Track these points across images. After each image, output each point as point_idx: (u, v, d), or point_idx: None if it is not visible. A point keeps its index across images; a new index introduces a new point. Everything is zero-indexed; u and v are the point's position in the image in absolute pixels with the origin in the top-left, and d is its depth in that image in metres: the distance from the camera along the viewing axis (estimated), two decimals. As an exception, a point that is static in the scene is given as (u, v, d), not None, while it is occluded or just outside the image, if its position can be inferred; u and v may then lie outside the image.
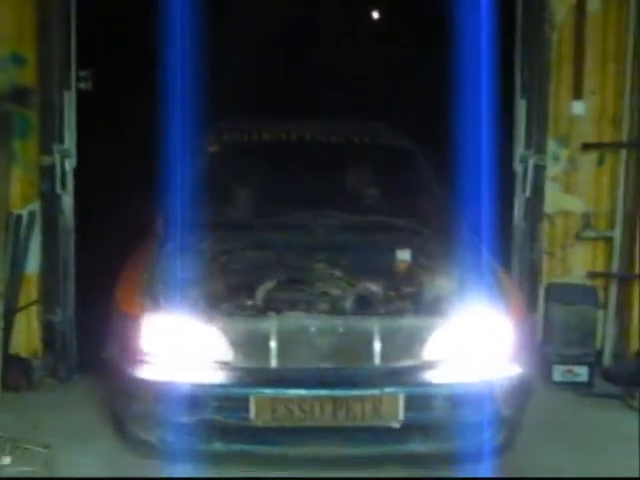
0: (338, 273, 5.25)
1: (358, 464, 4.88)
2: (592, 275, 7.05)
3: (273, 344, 4.72)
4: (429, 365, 4.86)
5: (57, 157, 6.40)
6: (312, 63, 12.06)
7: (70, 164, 6.48)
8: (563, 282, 6.97)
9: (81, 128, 6.63)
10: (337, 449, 4.85)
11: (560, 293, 6.80)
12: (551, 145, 6.86)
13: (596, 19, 6.86)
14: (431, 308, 5.01)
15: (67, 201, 6.56)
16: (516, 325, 5.02)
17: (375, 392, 4.70)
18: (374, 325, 4.80)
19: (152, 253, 5.44)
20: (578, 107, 6.89)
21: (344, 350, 4.79)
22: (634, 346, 6.88)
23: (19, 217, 6.46)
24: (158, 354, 4.85)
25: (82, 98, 6.76)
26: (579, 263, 7.08)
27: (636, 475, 4.78)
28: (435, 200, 6.33)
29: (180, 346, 4.85)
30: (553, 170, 6.92)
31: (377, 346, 4.75)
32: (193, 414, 4.68)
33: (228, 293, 5.06)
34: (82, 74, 6.67)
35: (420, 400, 4.76)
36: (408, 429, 4.79)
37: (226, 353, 4.78)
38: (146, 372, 4.81)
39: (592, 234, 7.03)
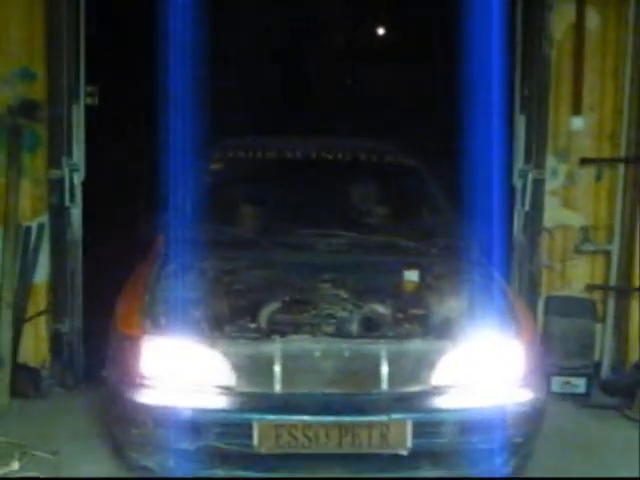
0: (344, 294, 5.04)
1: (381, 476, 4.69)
2: (590, 288, 7.08)
3: (277, 368, 4.52)
4: (438, 390, 4.65)
5: (66, 171, 6.46)
6: (315, 79, 12.14)
7: (78, 177, 6.56)
8: (562, 295, 7.01)
9: (88, 142, 6.72)
10: (343, 476, 4.63)
11: (559, 306, 6.85)
12: (550, 160, 6.91)
13: (595, 37, 6.93)
14: (440, 331, 4.81)
15: (75, 214, 6.63)
16: (527, 349, 4.82)
17: (382, 418, 4.48)
18: (381, 349, 4.60)
19: (153, 272, 5.18)
20: (577, 123, 6.94)
21: (350, 375, 4.58)
22: (632, 358, 6.91)
23: (28, 229, 6.53)
24: (158, 377, 4.64)
25: (89, 113, 6.84)
26: (578, 276, 7.12)
27: (636, 475, 4.79)
28: (443, 219, 6.15)
29: (181, 369, 4.64)
30: (552, 185, 6.97)
31: (384, 371, 4.55)
32: (194, 440, 4.48)
33: (231, 315, 4.90)
34: (89, 89, 6.76)
35: (429, 426, 4.55)
36: (416, 456, 4.56)
37: (228, 377, 4.57)
38: (145, 396, 4.60)
39: (591, 248, 7.06)
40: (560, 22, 6.85)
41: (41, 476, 4.76)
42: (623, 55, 6.89)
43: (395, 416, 4.49)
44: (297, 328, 4.74)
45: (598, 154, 7.04)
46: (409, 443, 4.47)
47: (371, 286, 5.18)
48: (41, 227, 6.58)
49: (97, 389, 5.94)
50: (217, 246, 5.38)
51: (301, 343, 4.62)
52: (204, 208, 5.72)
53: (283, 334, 4.66)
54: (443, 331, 4.81)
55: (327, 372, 4.56)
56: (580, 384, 6.60)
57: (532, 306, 6.71)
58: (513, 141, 6.93)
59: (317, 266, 5.30)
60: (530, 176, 6.77)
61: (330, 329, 4.76)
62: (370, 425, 4.47)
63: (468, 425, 4.57)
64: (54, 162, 6.47)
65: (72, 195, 6.53)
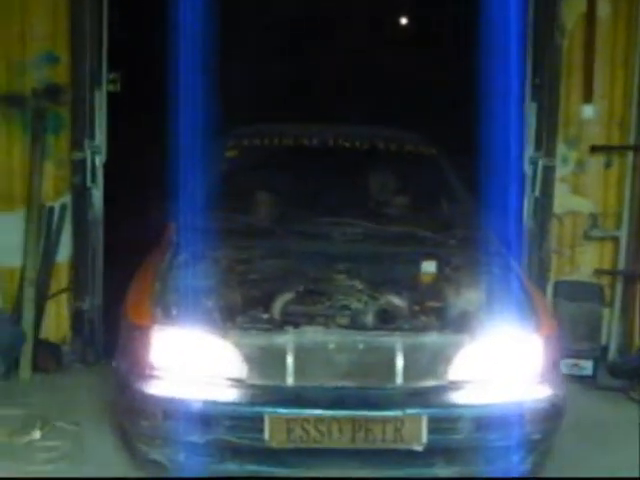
0: (359, 285, 4.85)
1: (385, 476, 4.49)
2: (598, 273, 7.13)
3: (290, 360, 4.35)
4: (454, 385, 4.46)
5: (88, 152, 6.56)
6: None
7: (100, 159, 6.66)
8: (571, 280, 7.06)
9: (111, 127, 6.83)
10: (356, 472, 4.42)
11: (568, 290, 6.88)
12: (560, 148, 6.94)
13: (606, 26, 6.95)
14: (457, 325, 4.63)
15: (97, 194, 6.73)
16: (547, 343, 4.61)
17: (397, 413, 4.29)
18: (397, 342, 4.40)
19: (164, 261, 5.00)
20: (587, 111, 6.97)
21: (364, 368, 4.40)
22: (638, 342, 6.99)
23: (51, 209, 6.64)
24: (168, 368, 4.47)
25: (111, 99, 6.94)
26: (586, 262, 7.16)
27: (636, 475, 4.69)
28: (462, 210, 5.95)
29: (192, 361, 4.46)
30: (562, 172, 7.01)
31: (400, 364, 4.37)
32: (204, 433, 4.30)
33: (243, 305, 4.74)
34: (111, 76, 6.86)
35: (444, 422, 4.36)
36: (431, 452, 4.36)
37: (240, 369, 4.40)
38: (155, 387, 4.42)
39: (599, 234, 7.10)
40: (571, 12, 6.88)
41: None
42: (633, 44, 6.91)
43: (410, 411, 4.30)
44: (311, 319, 4.59)
45: (608, 142, 7.07)
46: (424, 439, 4.29)
47: (387, 277, 5.04)
48: (63, 207, 6.68)
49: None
50: (230, 235, 5.22)
51: (314, 335, 4.44)
52: (217, 196, 5.59)
53: (296, 325, 4.49)
54: (460, 324, 4.64)
55: (341, 365, 4.39)
56: (587, 366, 6.65)
57: (541, 290, 6.71)
58: (524, 129, 6.95)
59: (332, 256, 5.14)
60: (540, 163, 6.81)
61: (344, 321, 4.59)
62: (384, 420, 4.29)
63: (485, 421, 4.39)
64: (77, 144, 6.57)
65: (94, 176, 6.64)
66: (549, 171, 6.86)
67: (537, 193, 6.88)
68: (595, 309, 6.96)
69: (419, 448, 4.30)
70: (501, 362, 4.56)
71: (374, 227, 5.49)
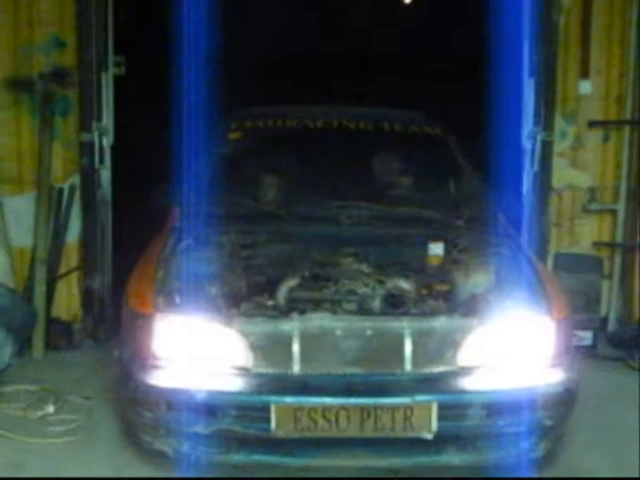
0: (366, 269, 4.77)
1: (387, 476, 4.41)
2: (597, 245, 7.20)
3: (295, 348, 4.19)
4: (464, 371, 4.31)
5: (96, 134, 6.61)
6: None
7: (108, 141, 6.73)
8: (570, 252, 7.12)
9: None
10: (364, 461, 4.32)
11: (567, 262, 6.94)
12: (559, 123, 6.97)
13: (602, 3, 6.97)
14: (467, 308, 4.52)
15: (105, 175, 6.79)
16: (559, 327, 4.42)
17: (406, 400, 4.12)
18: (405, 327, 4.24)
19: (167, 247, 4.82)
20: (585, 87, 7.01)
21: (372, 354, 4.24)
22: (637, 312, 7.03)
23: (61, 190, 6.69)
24: (172, 358, 4.31)
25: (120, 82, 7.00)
26: (585, 234, 7.22)
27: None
28: (469, 189, 5.81)
29: (195, 349, 4.30)
30: (560, 146, 7.04)
31: (408, 350, 4.21)
32: (209, 424, 4.16)
33: (248, 291, 4.67)
34: (116, 59, 6.90)
35: (455, 409, 4.19)
36: (441, 440, 4.21)
37: (245, 357, 4.24)
38: (158, 377, 4.27)
39: (597, 207, 7.16)
40: None
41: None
42: (629, 21, 6.94)
43: (419, 398, 4.14)
44: (317, 305, 4.47)
45: (605, 117, 7.11)
46: (434, 426, 4.12)
47: (394, 260, 4.98)
48: (72, 188, 6.73)
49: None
50: (234, 219, 5.11)
51: (321, 321, 4.27)
52: (220, 179, 5.47)
53: (302, 312, 4.34)
54: (469, 308, 4.53)
55: (348, 352, 4.24)
56: (587, 337, 6.68)
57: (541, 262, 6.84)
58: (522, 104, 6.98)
59: (338, 239, 5.04)
60: (539, 138, 6.83)
61: (351, 306, 4.48)
62: (393, 407, 4.12)
63: (496, 407, 4.21)
64: (85, 126, 6.63)
65: (102, 157, 6.70)
66: (548, 146, 6.89)
67: (536, 168, 6.90)
68: (594, 281, 7.04)
69: (429, 436, 4.15)
70: (512, 346, 4.39)
71: (380, 209, 5.35)
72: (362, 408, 4.11)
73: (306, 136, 6.03)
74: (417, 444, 4.21)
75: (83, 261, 6.87)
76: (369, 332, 4.26)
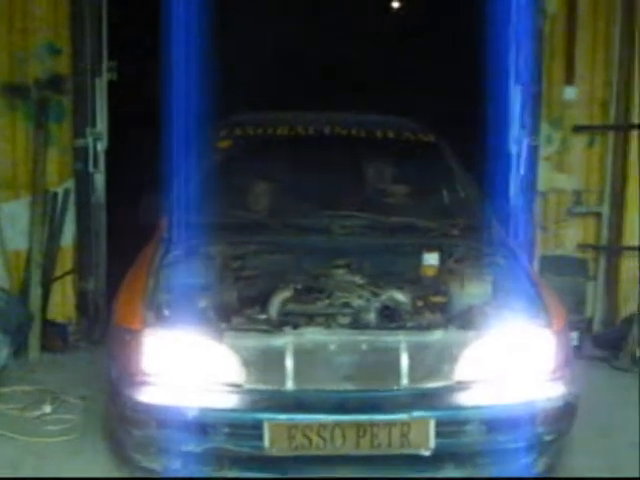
0: (360, 280, 4.57)
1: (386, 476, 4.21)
2: (582, 247, 7.25)
3: (289, 363, 4.05)
4: (462, 386, 4.17)
5: (90, 139, 6.68)
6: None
7: (102, 145, 6.77)
8: (556, 254, 7.18)
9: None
10: (360, 476, 4.18)
11: (553, 265, 7.01)
12: (544, 128, 7.04)
13: (586, 10, 7.03)
14: (464, 321, 4.33)
15: (99, 179, 6.84)
16: (558, 338, 4.29)
17: (403, 417, 3.99)
18: (401, 341, 4.11)
19: (156, 259, 4.65)
20: (570, 92, 7.05)
21: (368, 370, 4.10)
22: (621, 313, 7.07)
23: (55, 194, 6.74)
24: (162, 374, 4.15)
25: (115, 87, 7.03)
26: (570, 237, 7.26)
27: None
28: (464, 197, 5.67)
29: (186, 365, 4.14)
30: (546, 151, 7.10)
31: (405, 365, 4.08)
32: (201, 442, 4.01)
33: (239, 305, 4.44)
34: (109, 64, 6.95)
35: (453, 425, 4.06)
36: (439, 457, 4.09)
37: (237, 373, 4.09)
38: (148, 395, 4.10)
39: (583, 210, 7.22)
40: None
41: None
42: (613, 27, 6.99)
43: (417, 414, 4.01)
44: (310, 319, 4.29)
45: (590, 122, 7.17)
46: (432, 443, 4.00)
47: (389, 271, 4.80)
48: (67, 192, 6.78)
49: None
50: (223, 230, 4.93)
51: (315, 336, 4.13)
52: (210, 189, 5.25)
53: (295, 326, 4.18)
54: (467, 321, 4.33)
55: (343, 367, 4.09)
56: (573, 337, 6.78)
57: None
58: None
59: (331, 250, 4.85)
60: (525, 142, 6.89)
61: (346, 320, 4.31)
62: (390, 424, 3.99)
63: (495, 423, 4.08)
64: (79, 131, 6.70)
65: (96, 162, 6.75)
66: (533, 150, 6.96)
67: (522, 171, 6.94)
68: (579, 282, 7.11)
69: (427, 453, 4.03)
70: (511, 360, 4.25)
71: (374, 218, 5.18)
72: (358, 425, 3.99)
73: (297, 144, 5.88)
74: (414, 460, 4.08)
75: (78, 264, 6.92)
76: (364, 347, 4.12)
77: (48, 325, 6.64)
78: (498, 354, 4.24)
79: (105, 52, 6.82)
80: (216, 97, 6.29)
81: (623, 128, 7.07)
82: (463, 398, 4.15)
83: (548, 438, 4.22)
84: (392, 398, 4.12)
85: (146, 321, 4.18)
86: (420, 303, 4.53)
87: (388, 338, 4.15)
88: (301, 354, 4.09)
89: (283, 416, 3.99)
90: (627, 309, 7.06)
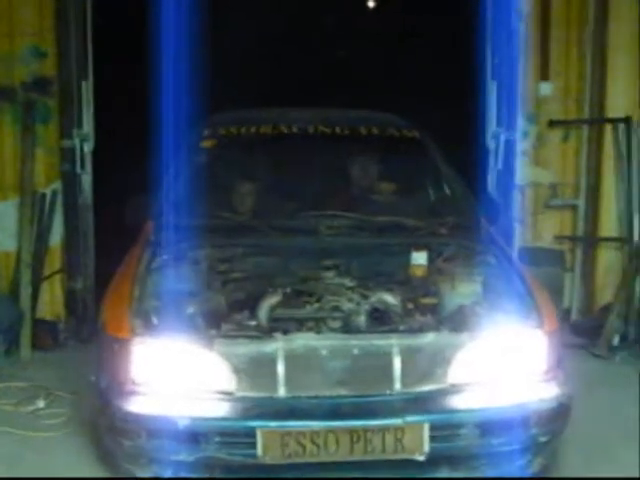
0: (349, 282, 4.45)
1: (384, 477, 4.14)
2: (559, 239, 7.38)
3: (280, 370, 3.94)
4: (456, 389, 4.07)
5: (77, 140, 6.75)
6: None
7: (89, 146, 6.85)
8: (534, 246, 7.27)
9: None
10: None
11: (531, 256, 6.96)
12: (520, 123, 7.11)
13: (560, 8, 7.16)
14: (456, 323, 4.22)
15: (86, 180, 6.92)
16: (551, 339, 4.19)
17: (397, 422, 3.90)
18: (393, 345, 4.01)
19: (142, 264, 4.53)
20: (545, 88, 7.19)
21: (360, 375, 3.99)
22: (598, 303, 7.18)
23: (43, 195, 6.78)
24: (151, 384, 4.04)
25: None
26: (548, 229, 7.40)
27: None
28: (451, 195, 5.55)
29: (176, 374, 4.03)
30: (523, 145, 7.20)
31: (397, 369, 3.98)
32: (192, 451, 3.91)
33: (229, 311, 4.31)
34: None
35: (447, 429, 3.98)
36: (434, 461, 3.99)
37: (228, 381, 3.98)
38: (138, 404, 3.99)
39: (559, 202, 7.35)
40: None
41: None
42: (586, 25, 7.12)
43: (410, 419, 3.92)
44: (300, 324, 4.18)
45: (565, 116, 7.30)
46: (426, 447, 3.91)
47: (378, 272, 4.68)
48: (55, 193, 6.83)
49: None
50: (210, 233, 4.81)
51: (305, 341, 4.02)
52: (195, 191, 5.12)
53: (285, 331, 4.07)
54: (459, 322, 4.22)
55: (335, 372, 3.99)
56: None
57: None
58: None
59: (319, 251, 4.73)
60: (502, 137, 7.00)
61: (336, 324, 4.18)
62: (384, 429, 3.90)
63: (489, 426, 3.99)
64: (65, 133, 6.76)
65: (83, 163, 6.82)
66: (510, 145, 7.04)
67: (500, 166, 7.05)
68: (557, 273, 7.22)
69: (421, 458, 3.93)
70: (504, 361, 4.15)
71: (361, 218, 5.03)
72: (351, 431, 3.89)
73: (282, 143, 5.71)
74: (409, 464, 3.98)
75: (66, 264, 6.98)
76: (356, 351, 4.02)
77: (38, 324, 6.66)
78: (491, 356, 4.15)
79: (90, 54, 6.87)
80: (204, 96, 6.32)
81: (597, 122, 7.19)
82: (457, 401, 4.06)
83: (542, 439, 4.15)
84: (385, 403, 4.01)
85: (134, 330, 4.06)
86: (411, 305, 4.41)
87: (380, 342, 4.05)
88: (292, 360, 3.98)
89: (276, 423, 3.90)
90: (603, 298, 7.16)
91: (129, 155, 8.19)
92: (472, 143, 7.30)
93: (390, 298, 4.32)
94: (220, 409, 3.96)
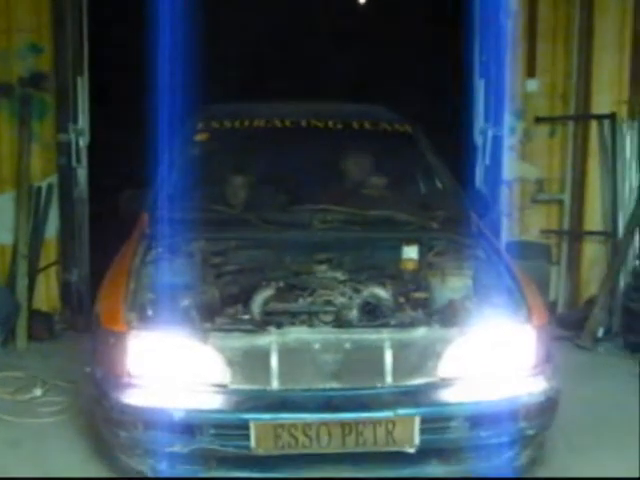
0: (341, 276, 4.48)
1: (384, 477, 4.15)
2: (545, 233, 7.47)
3: (274, 363, 3.96)
4: (446, 382, 4.09)
5: (72, 135, 6.80)
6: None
7: (84, 141, 6.91)
8: (520, 240, 7.35)
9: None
10: (347, 473, 4.08)
11: (518, 250, 6.98)
12: (508, 119, 7.17)
13: (547, 6, 7.27)
14: (446, 317, 4.25)
15: (81, 174, 6.98)
16: (540, 334, 4.19)
17: (388, 414, 3.93)
18: (384, 339, 4.03)
19: (137, 257, 4.52)
20: (531, 85, 7.29)
21: (352, 368, 4.02)
22: (584, 295, 7.29)
23: (39, 189, 6.87)
24: (147, 376, 4.06)
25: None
26: (534, 223, 7.49)
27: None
28: (443, 189, 5.57)
29: (171, 367, 4.05)
30: (510, 141, 7.27)
31: (388, 363, 4.00)
32: (187, 443, 3.93)
33: (223, 304, 4.34)
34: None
35: (437, 422, 4.00)
36: (424, 453, 4.02)
37: (222, 374, 4.00)
38: (134, 397, 4.01)
39: (545, 197, 7.45)
40: None
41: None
42: (572, 23, 7.19)
43: (401, 411, 3.94)
44: (293, 318, 4.21)
45: (551, 113, 7.39)
46: (416, 440, 3.93)
47: (370, 266, 4.70)
48: (50, 187, 6.90)
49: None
50: (204, 226, 4.81)
51: (298, 335, 4.05)
52: (189, 184, 5.15)
53: (279, 325, 4.10)
54: (449, 317, 4.25)
55: (327, 366, 4.01)
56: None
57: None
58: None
59: (312, 245, 4.75)
60: (489, 133, 7.04)
61: (328, 318, 4.21)
62: (375, 422, 3.92)
63: (478, 419, 4.02)
64: (61, 127, 6.82)
65: (78, 157, 6.89)
66: (497, 140, 7.09)
67: (487, 161, 7.10)
68: (543, 267, 7.28)
69: (412, 450, 3.95)
70: (493, 356, 4.16)
71: (353, 212, 5.02)
72: (343, 423, 3.92)
73: (275, 137, 5.72)
74: (400, 456, 4.01)
75: (61, 256, 7.05)
76: (348, 345, 4.04)
77: (34, 315, 6.73)
78: (480, 350, 4.16)
79: (86, 50, 6.93)
80: (198, 91, 6.20)
81: (583, 118, 7.27)
82: (447, 395, 4.08)
83: (530, 432, 4.17)
84: (377, 396, 4.03)
85: (129, 323, 4.07)
86: (402, 299, 4.43)
87: (372, 336, 4.07)
88: (285, 353, 4.00)
89: (269, 416, 3.92)
90: (589, 291, 7.25)
91: (124, 148, 8.25)
92: (461, 138, 7.38)
93: (382, 292, 4.35)
94: (214, 401, 3.98)
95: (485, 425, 4.04)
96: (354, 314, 4.21)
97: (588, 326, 6.69)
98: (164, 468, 4.04)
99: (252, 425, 3.88)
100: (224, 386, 4.01)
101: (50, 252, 7.07)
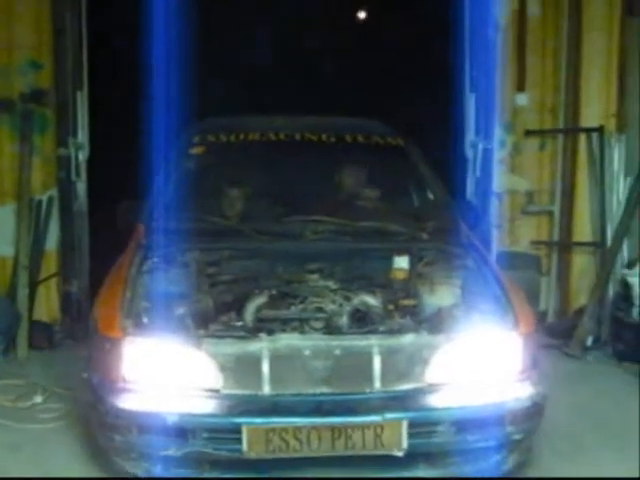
0: (332, 285, 4.55)
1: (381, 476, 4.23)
2: (535, 244, 7.53)
3: (265, 368, 4.05)
4: (433, 388, 4.17)
5: (72, 149, 6.87)
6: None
7: (83, 155, 7.00)
8: (511, 251, 7.41)
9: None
10: (336, 475, 4.17)
11: (508, 260, 7.01)
12: (498, 132, 7.25)
13: (536, 22, 7.34)
14: (433, 324, 4.32)
15: (81, 187, 7.06)
16: (526, 341, 4.28)
17: (376, 419, 4.00)
18: (373, 345, 4.12)
19: (133, 267, 4.60)
20: (521, 99, 7.37)
21: (341, 374, 4.10)
22: (572, 306, 7.35)
23: (40, 202, 6.94)
24: (141, 381, 4.14)
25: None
26: (524, 234, 7.55)
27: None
28: (433, 201, 5.66)
29: (165, 372, 4.14)
30: (500, 154, 7.34)
31: (377, 368, 4.09)
32: (181, 446, 4.01)
33: (216, 312, 4.43)
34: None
35: (424, 426, 4.07)
36: (412, 457, 4.09)
37: (215, 379, 4.09)
38: (129, 401, 4.10)
39: (535, 209, 7.53)
40: (505, 9, 7.22)
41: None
42: (561, 38, 7.29)
43: (389, 416, 4.02)
44: (285, 324, 4.28)
45: (541, 126, 7.48)
46: (404, 444, 4.01)
47: (360, 275, 4.79)
48: (51, 200, 6.98)
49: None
50: (199, 236, 4.89)
51: (289, 341, 4.14)
52: (185, 195, 5.23)
53: (270, 332, 4.17)
54: (437, 324, 4.33)
55: (317, 371, 4.10)
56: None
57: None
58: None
59: (304, 255, 4.82)
60: (480, 146, 7.09)
61: (319, 324, 4.29)
62: (364, 426, 4.00)
63: (465, 424, 4.10)
64: (61, 142, 6.90)
65: (78, 171, 6.97)
66: (488, 153, 7.13)
67: (478, 173, 7.16)
68: (533, 277, 7.35)
69: (399, 453, 4.03)
70: (480, 362, 4.25)
71: (345, 223, 5.11)
72: (333, 428, 4.00)
73: (269, 150, 5.78)
74: (388, 459, 4.08)
75: (61, 267, 7.12)
76: (338, 351, 4.12)
77: (35, 325, 6.80)
78: (467, 357, 4.23)
79: (85, 65, 7.01)
80: (194, 104, 6.44)
81: (572, 131, 7.36)
82: (434, 400, 4.15)
83: (517, 437, 4.23)
84: (365, 401, 4.11)
85: (125, 329, 4.15)
86: (391, 307, 4.50)
87: (361, 342, 4.15)
88: (277, 359, 4.08)
89: (260, 420, 4.00)
90: (578, 301, 7.32)
91: (122, 162, 8.31)
92: (451, 152, 7.47)
93: (371, 300, 4.43)
94: (207, 406, 4.07)
95: (472, 429, 4.11)
96: (344, 321, 4.29)
97: (577, 335, 6.75)
98: (158, 471, 4.11)
99: (244, 429, 3.96)
100: (217, 391, 4.09)
101: (50, 264, 7.13)
